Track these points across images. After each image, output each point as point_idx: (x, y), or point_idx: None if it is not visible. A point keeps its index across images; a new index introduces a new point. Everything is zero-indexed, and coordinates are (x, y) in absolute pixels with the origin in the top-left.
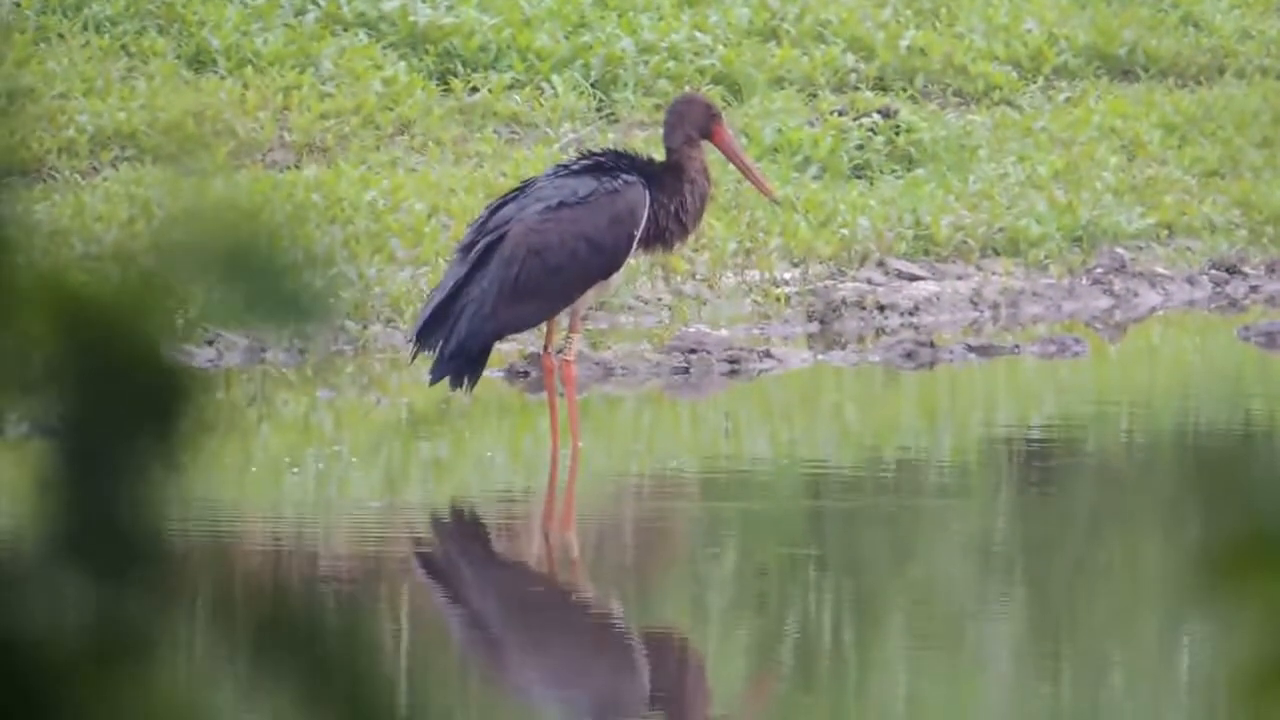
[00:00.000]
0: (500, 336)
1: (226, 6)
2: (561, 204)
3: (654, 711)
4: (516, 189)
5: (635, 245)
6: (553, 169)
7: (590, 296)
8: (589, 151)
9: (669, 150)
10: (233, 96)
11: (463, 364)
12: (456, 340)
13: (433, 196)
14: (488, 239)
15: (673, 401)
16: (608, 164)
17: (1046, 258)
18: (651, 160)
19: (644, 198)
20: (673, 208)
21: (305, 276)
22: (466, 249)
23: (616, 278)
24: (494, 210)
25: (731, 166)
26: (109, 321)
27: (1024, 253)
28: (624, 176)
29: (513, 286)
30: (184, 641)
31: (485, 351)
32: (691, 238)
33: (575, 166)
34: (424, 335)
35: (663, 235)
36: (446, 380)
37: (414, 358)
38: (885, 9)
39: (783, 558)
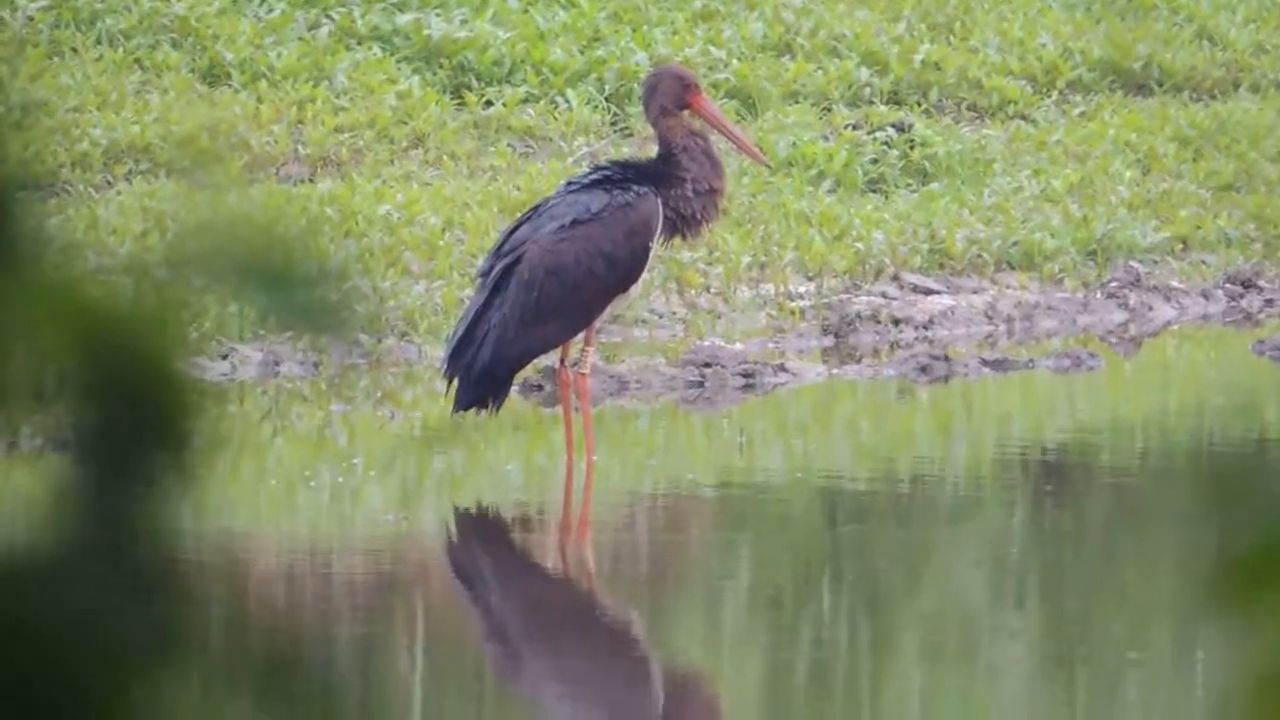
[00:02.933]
0: (525, 360)
1: (240, 20)
2: (575, 221)
3: None
4: (530, 210)
5: (653, 255)
6: (564, 185)
7: (608, 311)
8: (597, 165)
9: (654, 128)
10: (247, 110)
11: (488, 389)
12: (481, 366)
13: (447, 210)
14: (505, 262)
15: (687, 415)
16: (616, 176)
17: (1061, 272)
18: (651, 161)
19: (656, 206)
20: (687, 190)
21: (320, 289)
22: (485, 274)
23: (635, 289)
24: (509, 233)
25: (745, 178)
26: (123, 335)
27: (1038, 266)
28: (635, 188)
29: (534, 308)
30: (195, 656)
31: (511, 375)
32: (721, 197)
33: (585, 181)
34: (452, 365)
35: (692, 219)
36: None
37: (448, 389)
38: (899, 23)
39: (798, 573)
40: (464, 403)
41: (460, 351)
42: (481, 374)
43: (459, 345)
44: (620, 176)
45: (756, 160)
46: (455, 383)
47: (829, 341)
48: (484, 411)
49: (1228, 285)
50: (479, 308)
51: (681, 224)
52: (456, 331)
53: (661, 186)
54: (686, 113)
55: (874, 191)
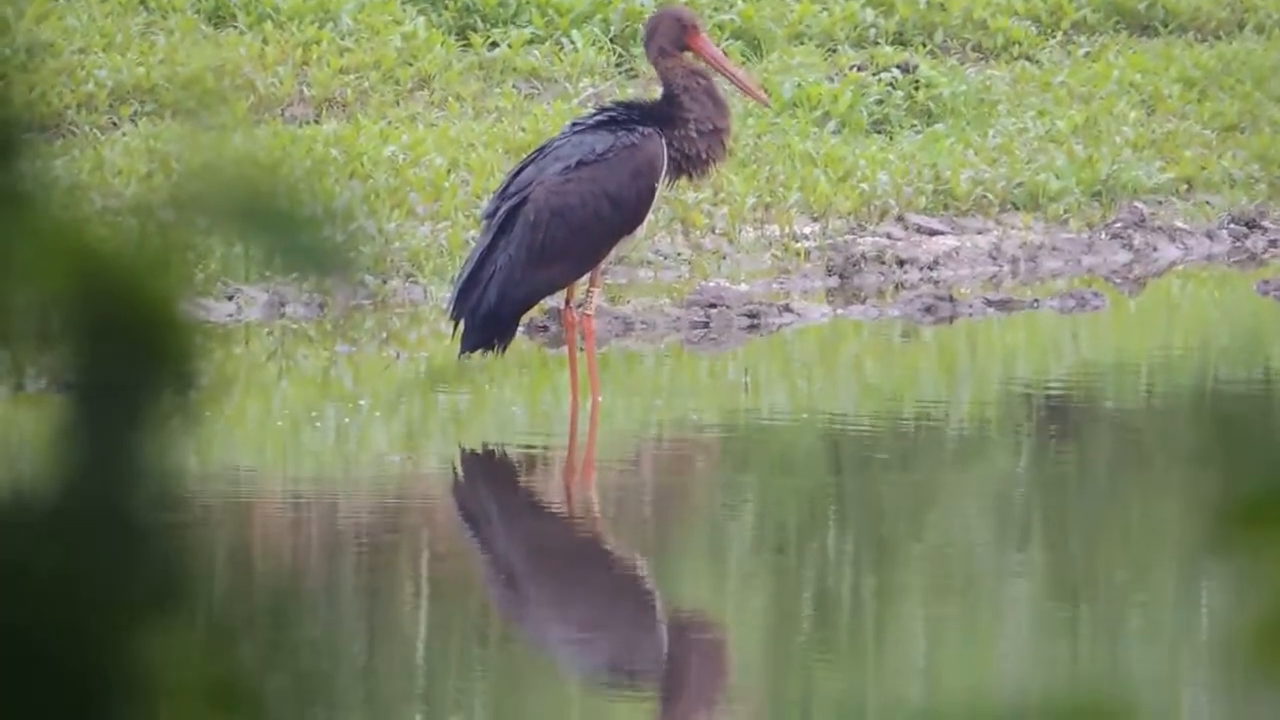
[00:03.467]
0: (531, 302)
1: None
2: (581, 163)
3: (671, 667)
4: (535, 151)
5: (658, 196)
6: (569, 126)
7: (614, 252)
8: (602, 106)
9: (655, 69)
10: (252, 51)
11: (494, 331)
12: (487, 308)
13: (452, 151)
14: (510, 204)
15: (692, 356)
16: (621, 117)
17: (1066, 212)
18: (655, 102)
19: (661, 147)
20: (691, 131)
21: (324, 230)
22: (491, 216)
23: (640, 230)
24: (514, 175)
25: (750, 119)
26: (128, 276)
27: (1043, 207)
28: (640, 129)
29: (540, 250)
30: (201, 595)
31: (517, 317)
32: (726, 136)
33: (590, 122)
34: (458, 307)
35: (698, 159)
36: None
37: (454, 331)
38: None
39: (803, 512)
40: (470, 345)
41: (466, 294)
42: (487, 316)
43: (464, 287)
44: (625, 117)
45: (757, 100)
46: (461, 325)
47: (834, 282)
48: (490, 353)
49: (1232, 226)
50: (484, 250)
51: (687, 164)
52: (462, 274)
53: (666, 127)
54: (688, 54)
55: (879, 132)
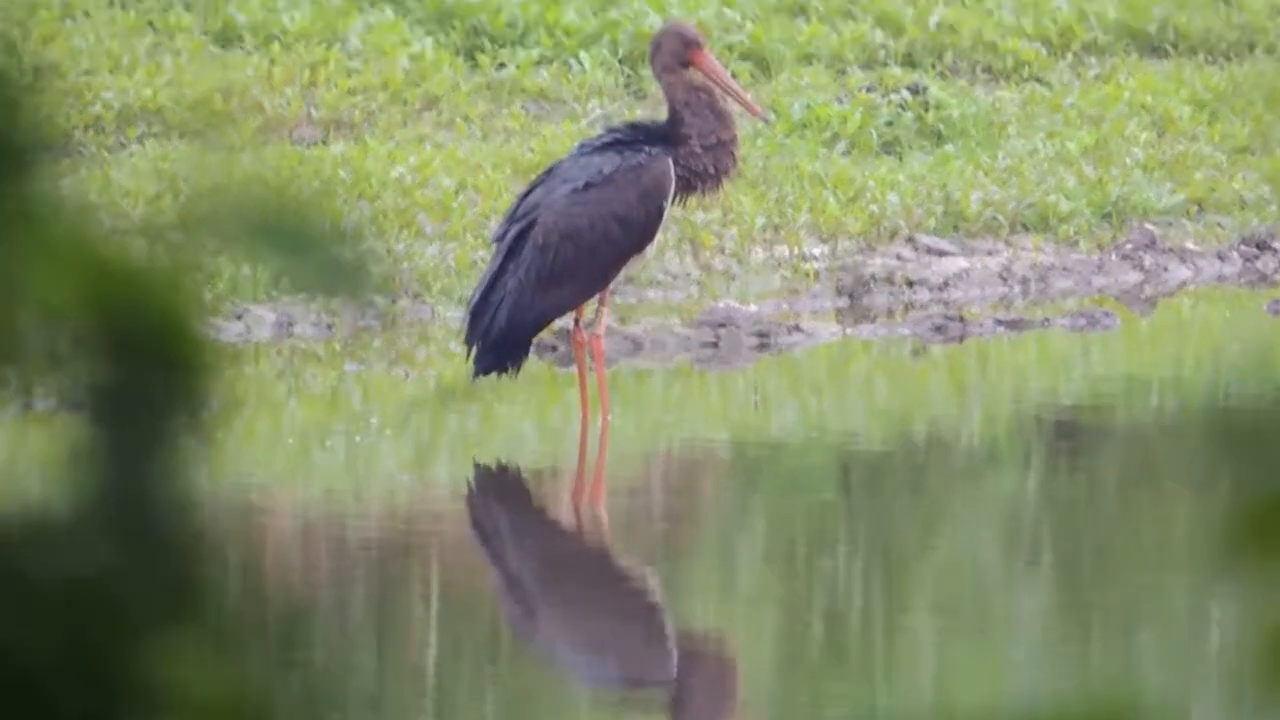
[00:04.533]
0: (542, 324)
1: None
2: (589, 185)
3: (681, 684)
4: (543, 173)
5: (667, 215)
6: (576, 148)
7: (623, 273)
8: (610, 127)
9: (660, 86)
10: (259, 72)
11: (506, 353)
12: (498, 330)
13: (460, 172)
14: (519, 226)
15: (702, 375)
16: (628, 138)
17: (1076, 233)
18: (661, 122)
19: (668, 167)
20: (695, 147)
21: (333, 250)
22: (500, 239)
23: (649, 250)
24: (523, 197)
25: (759, 140)
26: (138, 296)
27: (1054, 228)
28: (647, 149)
29: (549, 272)
30: (214, 614)
31: (529, 339)
32: (733, 147)
33: (598, 143)
34: (472, 330)
35: (705, 175)
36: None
37: (469, 354)
38: None
39: (814, 531)
40: (483, 368)
41: (478, 317)
42: (499, 339)
43: (476, 311)
44: (631, 138)
45: (755, 115)
46: (474, 349)
47: (843, 303)
48: (503, 375)
49: (1243, 247)
50: (494, 273)
51: (696, 180)
52: (474, 297)
53: (672, 146)
54: (691, 70)
55: (888, 153)
